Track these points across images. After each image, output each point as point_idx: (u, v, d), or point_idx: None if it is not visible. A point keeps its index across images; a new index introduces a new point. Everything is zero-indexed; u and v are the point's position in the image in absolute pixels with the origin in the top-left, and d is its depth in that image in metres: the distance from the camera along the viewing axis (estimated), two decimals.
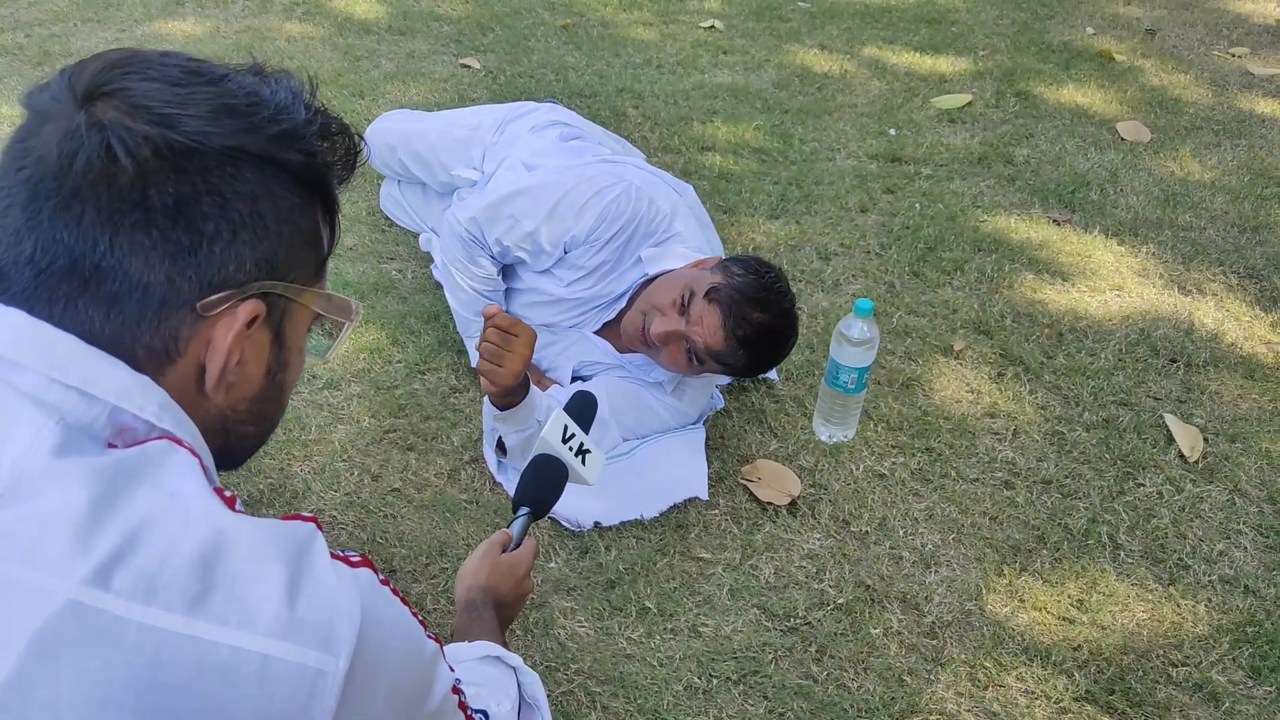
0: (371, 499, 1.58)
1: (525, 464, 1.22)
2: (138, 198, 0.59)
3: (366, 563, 0.65)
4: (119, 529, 0.55)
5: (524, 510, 1.19)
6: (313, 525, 0.63)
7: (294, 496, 1.57)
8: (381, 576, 0.66)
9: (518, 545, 1.16)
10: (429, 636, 0.72)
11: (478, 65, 3.29)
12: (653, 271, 1.67)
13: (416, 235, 2.27)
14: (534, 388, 1.54)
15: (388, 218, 2.36)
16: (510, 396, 1.49)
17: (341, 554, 0.64)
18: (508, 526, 1.19)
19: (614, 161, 1.82)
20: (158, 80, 0.61)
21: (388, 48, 3.41)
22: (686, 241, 1.70)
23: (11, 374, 0.58)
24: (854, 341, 1.68)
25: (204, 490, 0.59)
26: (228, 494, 0.62)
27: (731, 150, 2.80)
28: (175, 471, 0.59)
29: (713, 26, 3.79)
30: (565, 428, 1.22)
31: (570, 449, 1.21)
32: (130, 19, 3.51)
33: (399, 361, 1.89)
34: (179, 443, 0.62)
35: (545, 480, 1.20)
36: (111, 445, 0.60)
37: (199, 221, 0.61)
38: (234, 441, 0.72)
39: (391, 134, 2.25)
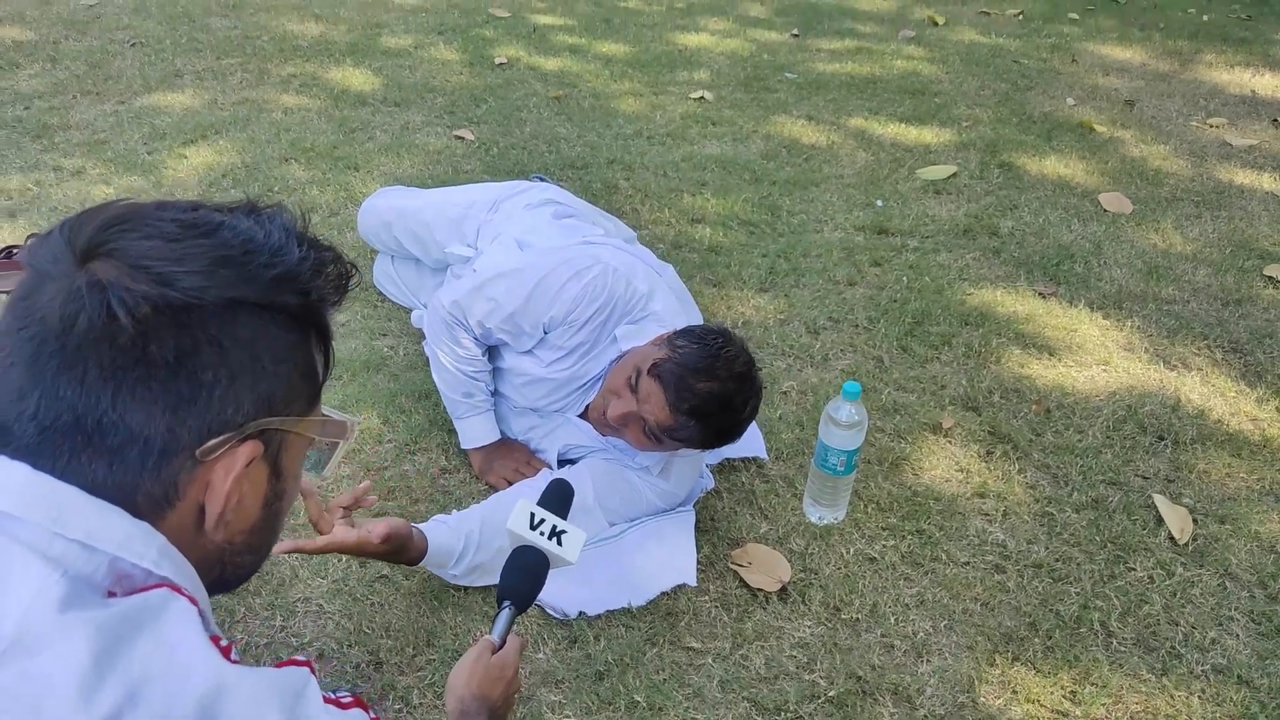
0: (359, 586, 1.57)
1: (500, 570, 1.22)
2: (139, 354, 0.60)
3: (359, 703, 0.66)
4: (120, 686, 0.55)
5: (507, 604, 1.18)
6: (306, 671, 0.63)
7: (281, 584, 1.56)
8: (373, 715, 0.67)
9: (502, 643, 1.15)
10: None
11: (471, 137, 3.34)
12: (624, 349, 1.68)
13: (409, 311, 2.29)
14: (437, 537, 1.48)
15: (381, 293, 2.37)
16: (401, 553, 1.44)
17: (333, 695, 0.64)
18: (492, 623, 1.18)
19: (595, 243, 1.84)
20: (155, 237, 0.62)
21: (382, 119, 3.47)
22: (663, 320, 1.71)
23: (15, 528, 0.59)
24: (842, 424, 1.68)
25: (203, 642, 0.60)
26: (224, 643, 0.62)
27: (721, 222, 2.84)
28: (174, 622, 0.60)
29: (702, 97, 3.86)
30: (532, 515, 1.22)
31: (541, 534, 1.21)
32: (129, 91, 3.56)
33: (389, 442, 1.88)
34: (178, 590, 0.62)
35: (525, 571, 1.19)
36: (111, 593, 0.61)
37: (199, 371, 0.62)
38: (230, 571, 0.73)
39: (386, 211, 2.28)
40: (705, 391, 1.48)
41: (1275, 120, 3.93)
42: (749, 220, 2.86)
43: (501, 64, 4.12)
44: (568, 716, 1.40)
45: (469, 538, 1.51)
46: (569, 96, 3.79)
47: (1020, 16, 5.52)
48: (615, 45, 4.53)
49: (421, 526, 1.49)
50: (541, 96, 3.77)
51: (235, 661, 0.61)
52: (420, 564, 1.49)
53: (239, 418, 0.65)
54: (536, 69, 4.10)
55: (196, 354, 0.62)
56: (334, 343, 0.75)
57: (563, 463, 1.80)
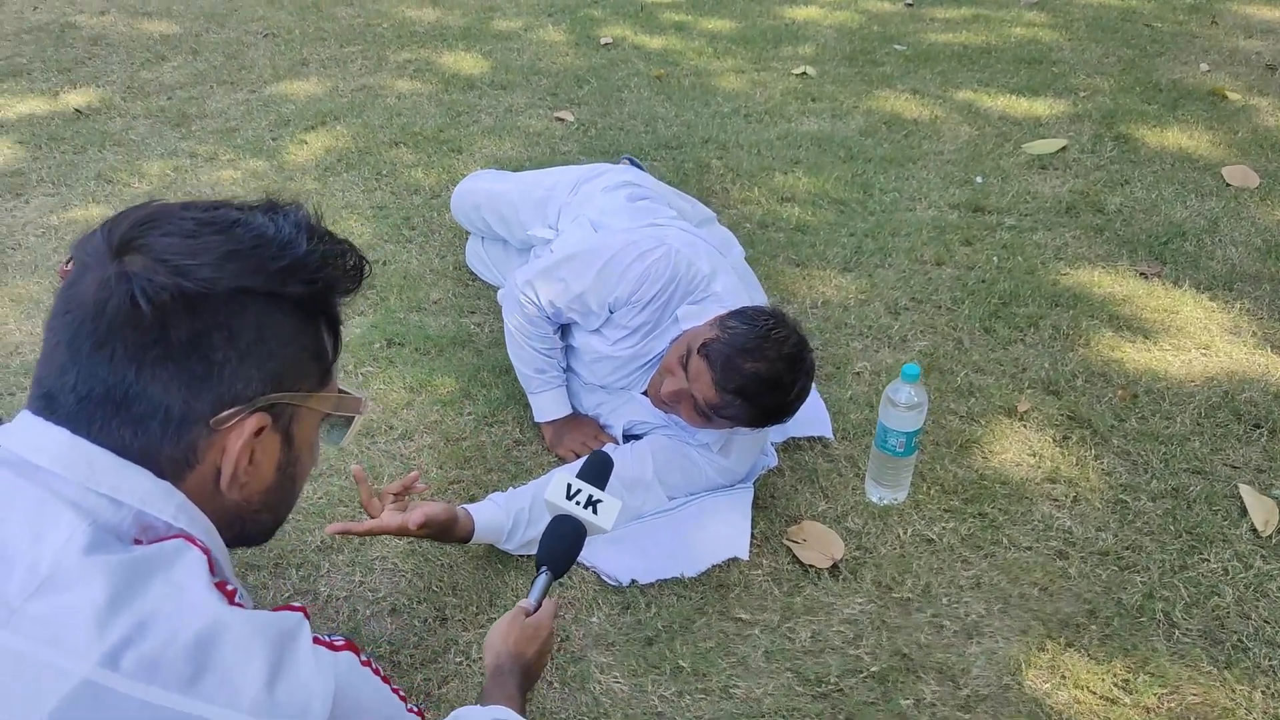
0: (431, 548, 1.68)
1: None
2: (158, 336, 0.70)
3: (350, 646, 0.75)
4: (131, 618, 0.65)
5: (544, 570, 1.26)
6: (300, 615, 0.72)
7: (362, 544, 1.69)
8: (364, 658, 0.76)
9: (538, 606, 1.24)
10: (410, 710, 0.80)
11: (571, 118, 3.43)
12: (685, 328, 1.73)
13: (497, 289, 2.40)
14: (485, 516, 1.58)
15: (472, 272, 2.50)
16: (446, 534, 1.54)
17: (326, 639, 0.73)
18: (530, 589, 1.27)
19: (662, 225, 1.90)
20: (175, 234, 0.72)
21: (488, 102, 3.60)
22: (724, 300, 1.74)
23: (55, 483, 0.71)
24: (900, 406, 1.69)
25: (207, 585, 0.70)
26: (230, 588, 0.72)
27: (810, 201, 2.83)
28: (184, 568, 0.70)
29: (804, 73, 3.83)
30: (569, 486, 1.29)
31: (577, 503, 1.28)
32: (260, 80, 3.81)
33: (469, 414, 2.00)
34: (192, 541, 0.73)
35: (561, 539, 1.27)
36: (138, 541, 0.71)
37: (210, 352, 0.72)
38: (251, 527, 0.83)
39: (477, 194, 2.39)
40: (751, 372, 1.52)
41: None
42: (839, 199, 2.84)
43: (607, 44, 4.18)
44: (615, 678, 1.47)
45: (518, 515, 1.60)
46: (670, 75, 3.83)
47: None
48: (722, 21, 4.52)
49: (471, 507, 1.60)
50: (643, 76, 3.82)
51: (237, 605, 0.71)
52: (471, 541, 1.59)
53: (249, 392, 0.74)
54: (641, 48, 4.15)
55: (208, 337, 0.72)
56: (344, 326, 0.84)
57: (628, 438, 1.87)
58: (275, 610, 0.72)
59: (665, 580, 1.62)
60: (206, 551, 0.73)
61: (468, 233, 2.56)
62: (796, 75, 3.81)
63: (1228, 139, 3.17)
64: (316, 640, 0.72)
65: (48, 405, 0.72)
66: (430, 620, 1.56)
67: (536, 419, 1.93)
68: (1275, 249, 2.52)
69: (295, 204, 0.80)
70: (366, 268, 0.83)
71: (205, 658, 0.66)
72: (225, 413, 0.73)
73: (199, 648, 0.66)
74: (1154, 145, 3.14)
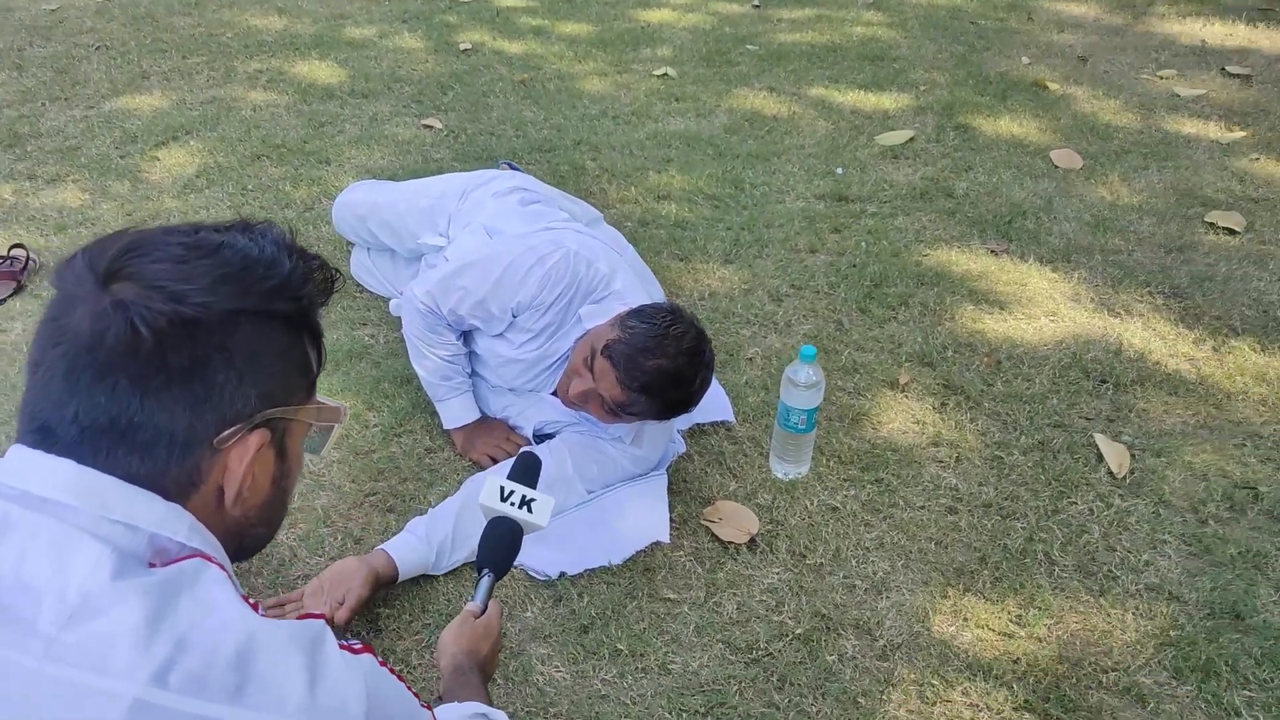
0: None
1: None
2: (159, 363, 0.71)
3: (367, 649, 0.77)
4: (170, 636, 0.66)
5: (486, 572, 1.29)
6: (322, 622, 0.74)
7: (281, 564, 1.66)
8: (380, 659, 0.78)
9: (484, 607, 1.27)
10: (422, 705, 0.84)
11: (439, 125, 3.41)
12: (588, 327, 1.78)
13: (387, 300, 2.38)
14: (403, 558, 1.60)
15: (359, 284, 2.46)
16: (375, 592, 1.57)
17: (346, 643, 0.75)
18: (473, 592, 1.30)
19: (557, 229, 1.95)
20: (165, 260, 0.72)
21: (350, 111, 3.53)
22: (624, 298, 1.81)
23: (68, 514, 0.70)
24: (801, 385, 1.80)
25: (234, 598, 0.71)
26: (252, 601, 0.73)
27: (686, 198, 2.93)
28: (209, 585, 0.71)
29: (665, 74, 3.94)
30: (503, 489, 1.32)
31: (512, 504, 1.32)
32: (97, 95, 3.61)
33: (375, 426, 1.99)
34: (207, 558, 0.73)
35: (499, 539, 1.30)
36: (151, 564, 0.72)
37: (211, 374, 0.73)
38: (248, 542, 0.84)
39: (359, 205, 2.36)
40: (654, 369, 1.59)
41: (1224, 69, 4.04)
42: (713, 195, 2.96)
43: (466, 50, 4.18)
44: (556, 667, 1.51)
45: (441, 545, 1.63)
46: (534, 79, 3.86)
47: None
48: (578, 25, 4.59)
49: (392, 548, 1.61)
50: (507, 80, 3.84)
51: (262, 615, 0.72)
52: (398, 581, 1.61)
53: (247, 410, 0.75)
54: (501, 53, 4.16)
55: (208, 360, 0.72)
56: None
57: (540, 437, 1.91)
58: (298, 618, 0.74)
59: (593, 570, 1.67)
60: (222, 567, 0.74)
61: (350, 244, 2.52)
62: (658, 76, 3.92)
63: (1052, 125, 3.48)
64: (340, 645, 0.74)
65: (45, 438, 0.71)
66: (364, 633, 1.56)
67: (445, 426, 1.94)
68: (1102, 223, 2.80)
69: (268, 222, 0.81)
70: (339, 280, 0.85)
71: (248, 668, 0.67)
72: (226, 432, 0.74)
73: (240, 659, 0.67)
74: (990, 133, 3.42)
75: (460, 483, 1.80)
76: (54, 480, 0.70)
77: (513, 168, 2.73)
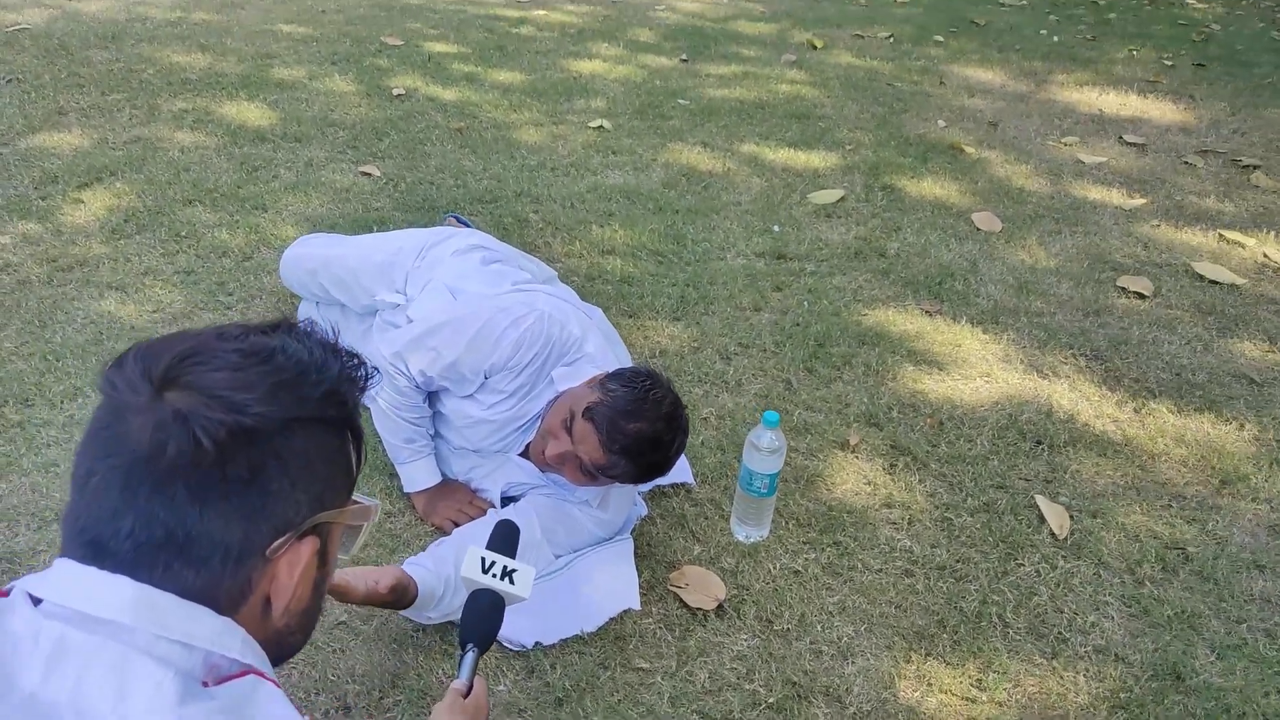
0: (319, 635, 1.63)
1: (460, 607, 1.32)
2: (220, 474, 0.69)
3: None
4: None
5: (470, 647, 1.28)
6: None
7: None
8: None
9: (470, 686, 1.26)
10: None
11: (378, 173, 3.38)
12: (560, 389, 1.79)
13: None
14: (424, 581, 1.56)
15: None
16: (400, 600, 1.53)
17: None
18: (458, 666, 1.28)
19: (526, 290, 1.96)
20: (222, 369, 0.71)
21: (284, 156, 3.47)
22: (595, 360, 1.83)
23: (125, 635, 0.68)
24: (764, 450, 1.84)
25: (293, 713, 0.69)
26: (305, 714, 0.72)
27: (630, 253, 2.97)
28: (269, 702, 0.70)
29: (601, 126, 3.99)
30: (483, 559, 1.32)
31: (494, 575, 1.32)
32: (11, 132, 3.45)
33: None
34: (260, 674, 0.71)
35: (482, 613, 1.29)
36: (204, 683, 0.69)
37: (268, 483, 0.72)
38: (285, 650, 0.83)
39: (311, 259, 2.32)
40: (635, 432, 1.61)
41: (1120, 137, 4.33)
42: (656, 250, 3.00)
43: (399, 95, 4.15)
44: None
45: (448, 581, 1.59)
46: (470, 128, 3.86)
47: (891, 39, 5.86)
48: (511, 73, 4.62)
49: (410, 569, 1.57)
50: (443, 128, 3.83)
51: None
52: (407, 608, 1.56)
53: (299, 518, 0.74)
54: (435, 99, 4.15)
55: (264, 469, 0.71)
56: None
57: (506, 500, 1.89)
58: None
59: (565, 639, 1.66)
60: (274, 682, 0.72)
61: (298, 298, 2.47)
62: (594, 129, 3.97)
63: (971, 188, 3.67)
64: None
65: (96, 552, 0.69)
66: (332, 712, 1.51)
67: (406, 489, 1.91)
68: (1025, 285, 2.96)
69: (309, 320, 0.80)
70: (374, 375, 0.84)
71: None
72: (279, 541, 0.73)
73: None
74: (914, 195, 3.57)
75: (424, 548, 1.77)
76: (112, 600, 0.68)
77: (460, 221, 2.72)
